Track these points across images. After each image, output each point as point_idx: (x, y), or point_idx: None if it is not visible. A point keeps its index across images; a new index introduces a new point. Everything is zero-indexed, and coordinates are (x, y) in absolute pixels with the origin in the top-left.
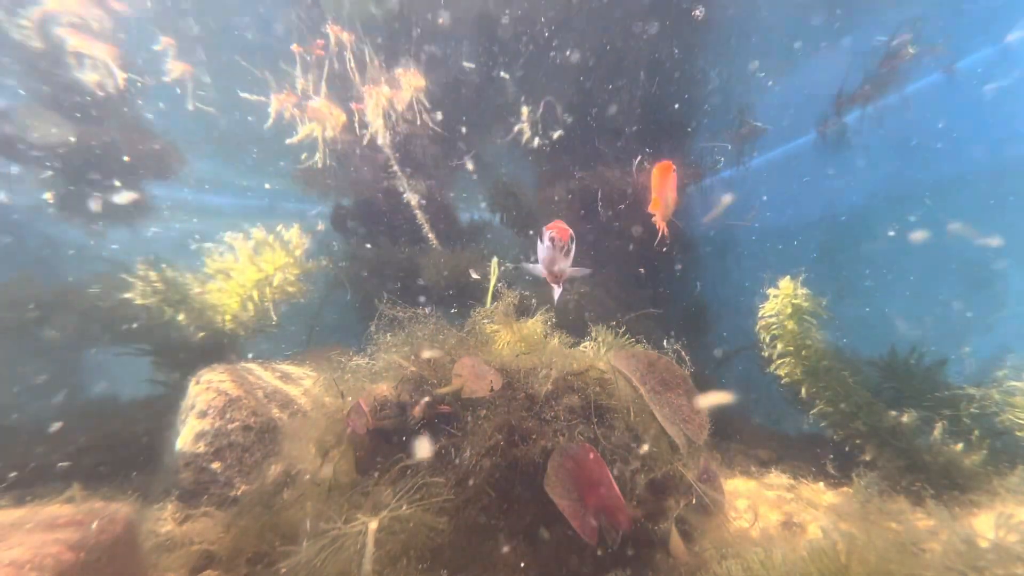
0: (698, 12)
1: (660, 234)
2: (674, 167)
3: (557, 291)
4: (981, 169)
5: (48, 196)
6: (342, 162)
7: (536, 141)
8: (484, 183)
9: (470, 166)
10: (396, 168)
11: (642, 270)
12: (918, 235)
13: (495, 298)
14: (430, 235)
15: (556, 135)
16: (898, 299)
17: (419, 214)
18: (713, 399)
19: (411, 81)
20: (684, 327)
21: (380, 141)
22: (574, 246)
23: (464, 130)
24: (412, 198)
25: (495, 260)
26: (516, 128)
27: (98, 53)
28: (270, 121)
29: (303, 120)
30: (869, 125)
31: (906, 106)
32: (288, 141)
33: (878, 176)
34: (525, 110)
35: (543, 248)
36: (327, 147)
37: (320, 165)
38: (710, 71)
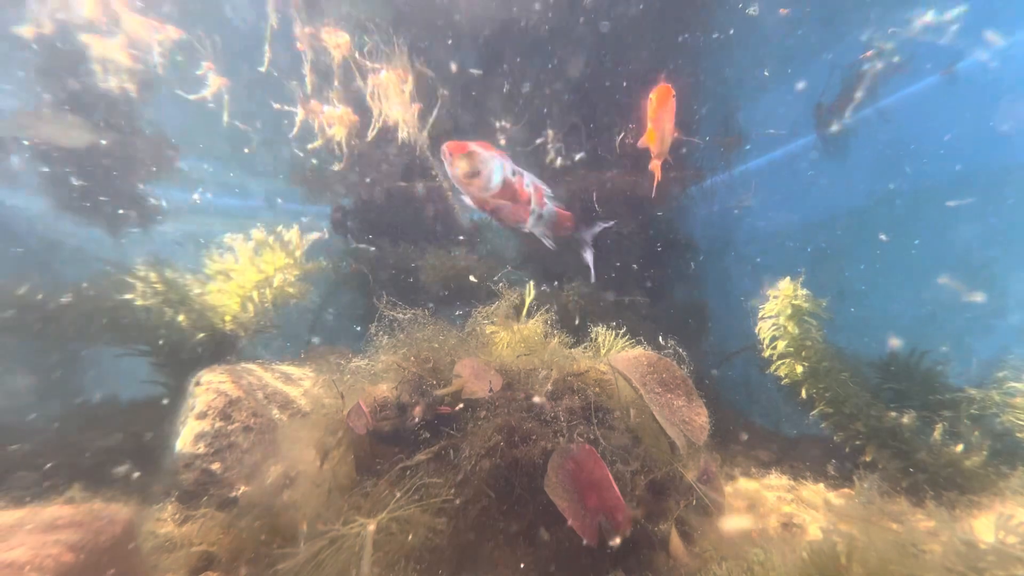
0: (752, 10)
1: (655, 179)
2: (673, 92)
3: (533, 229)
4: (981, 170)
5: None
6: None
7: (559, 161)
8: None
9: (503, 141)
10: (427, 155)
11: (635, 265)
12: (919, 236)
13: (496, 297)
14: (458, 214)
15: (578, 157)
16: (898, 300)
17: (450, 195)
18: (737, 523)
19: (335, 40)
20: (684, 327)
21: (403, 134)
22: (506, 172)
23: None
24: (445, 183)
25: (531, 283)
26: (538, 141)
27: (121, 58)
28: (295, 130)
29: (324, 126)
30: (868, 128)
31: (883, 118)
32: (309, 147)
33: (877, 178)
34: (551, 132)
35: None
36: (333, 147)
37: (338, 168)
38: (706, 76)
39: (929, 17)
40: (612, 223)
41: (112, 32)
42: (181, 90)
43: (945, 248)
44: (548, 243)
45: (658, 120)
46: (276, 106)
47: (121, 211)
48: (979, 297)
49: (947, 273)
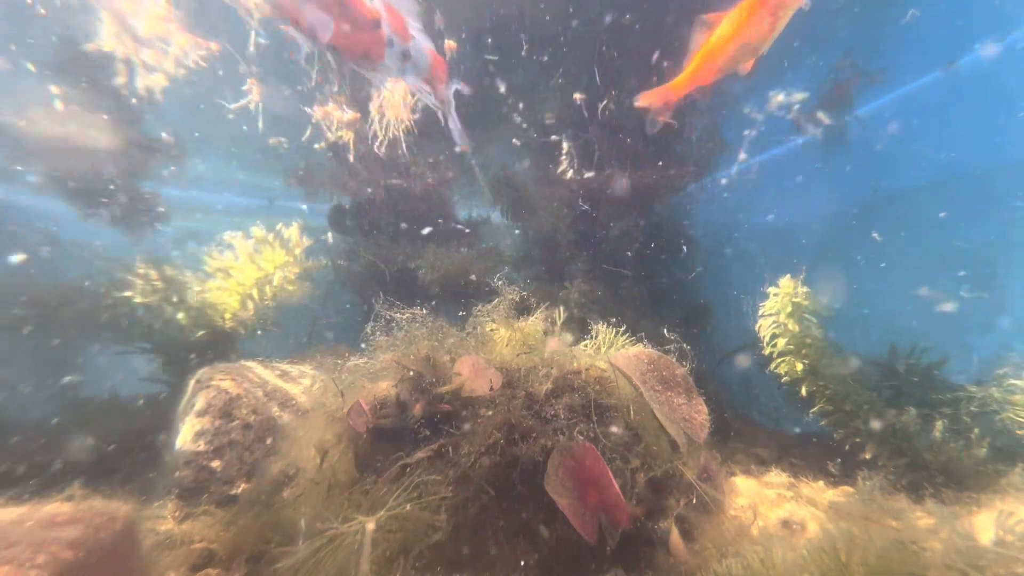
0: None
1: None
2: None
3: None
4: (981, 169)
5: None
6: (343, 161)
7: (571, 174)
8: (485, 176)
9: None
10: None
11: (629, 253)
12: (919, 235)
13: (495, 295)
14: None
15: (587, 175)
16: (898, 298)
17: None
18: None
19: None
20: (684, 325)
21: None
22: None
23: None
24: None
25: (560, 308)
26: (552, 138)
27: (148, 59)
28: (308, 133)
29: (334, 128)
30: (866, 129)
31: (860, 126)
32: (317, 146)
33: (877, 177)
34: (566, 146)
35: None
36: (339, 149)
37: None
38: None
39: (781, 98)
40: (466, 87)
41: (163, 49)
42: (224, 100)
43: (945, 247)
44: (431, 102)
45: (747, 27)
46: (308, 110)
47: (134, 210)
48: (949, 306)
49: (946, 273)
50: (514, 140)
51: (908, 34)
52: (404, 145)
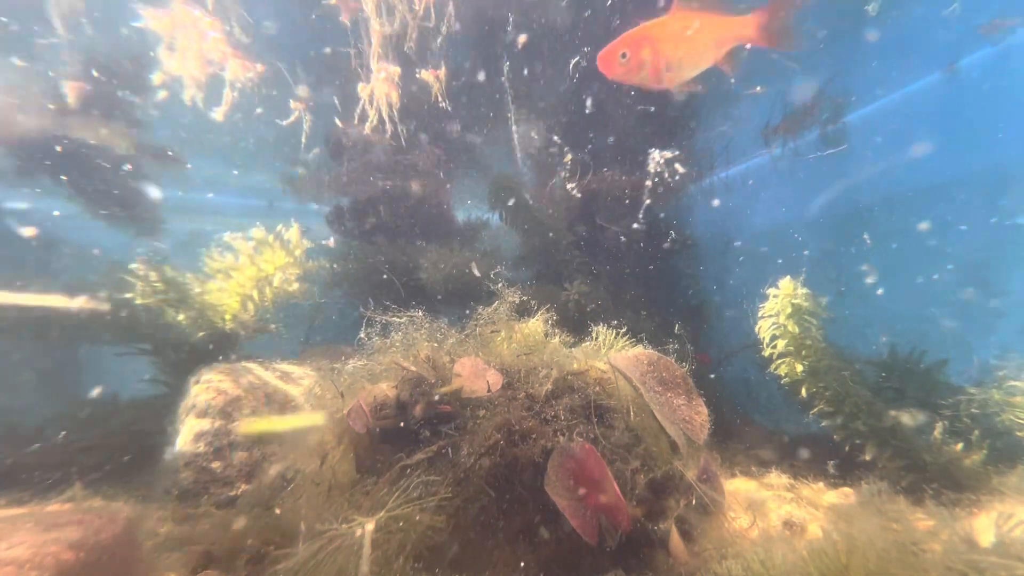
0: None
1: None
2: None
3: None
4: (981, 170)
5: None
6: (340, 162)
7: (569, 186)
8: (484, 181)
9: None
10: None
11: (623, 238)
12: (918, 235)
13: (496, 296)
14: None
15: (587, 177)
16: (898, 299)
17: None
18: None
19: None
20: (683, 326)
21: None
22: None
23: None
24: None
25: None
26: (551, 149)
27: (197, 72)
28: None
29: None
30: (866, 129)
31: (831, 142)
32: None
33: (878, 177)
34: (568, 156)
35: None
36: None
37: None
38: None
39: (657, 156)
40: None
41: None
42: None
43: (945, 247)
44: None
45: None
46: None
47: (142, 212)
48: (871, 279)
49: (946, 273)
50: (531, 133)
51: (902, 37)
52: (397, 127)
